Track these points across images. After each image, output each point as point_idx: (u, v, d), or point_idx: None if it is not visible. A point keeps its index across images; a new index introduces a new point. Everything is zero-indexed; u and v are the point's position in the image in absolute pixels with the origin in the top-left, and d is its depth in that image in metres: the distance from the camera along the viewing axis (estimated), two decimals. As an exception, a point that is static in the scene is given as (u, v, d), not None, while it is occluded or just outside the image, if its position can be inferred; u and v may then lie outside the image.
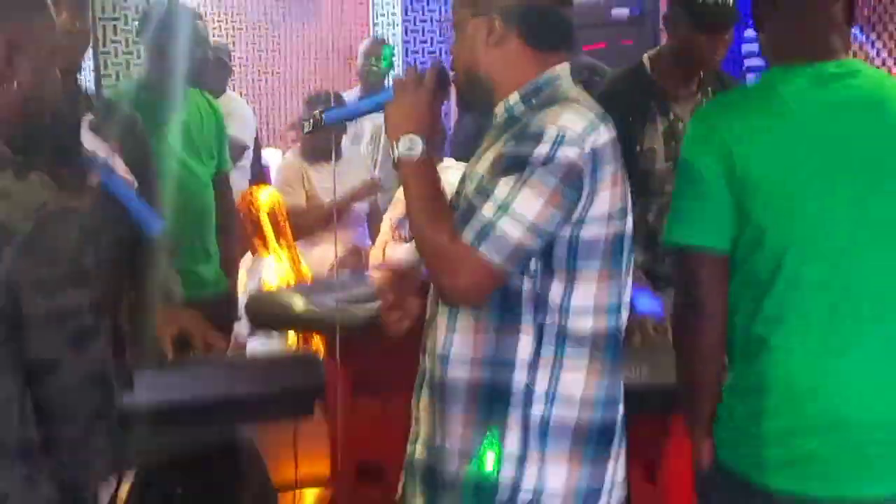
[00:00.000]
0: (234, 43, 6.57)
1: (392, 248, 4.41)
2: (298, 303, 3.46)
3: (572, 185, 1.95)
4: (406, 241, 4.26)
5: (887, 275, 2.21)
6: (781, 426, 2.19)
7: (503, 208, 1.94)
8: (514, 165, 1.95)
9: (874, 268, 2.20)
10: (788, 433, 2.19)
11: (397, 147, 2.07)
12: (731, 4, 3.24)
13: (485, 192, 1.99)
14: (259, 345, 4.50)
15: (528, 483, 2.04)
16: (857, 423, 2.17)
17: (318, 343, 4.07)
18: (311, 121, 2.22)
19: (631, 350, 2.43)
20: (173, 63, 3.68)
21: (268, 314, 3.71)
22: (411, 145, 2.06)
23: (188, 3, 4.86)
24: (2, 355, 1.70)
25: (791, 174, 2.15)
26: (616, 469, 2.13)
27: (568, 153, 1.94)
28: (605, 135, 1.97)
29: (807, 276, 2.16)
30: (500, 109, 2.12)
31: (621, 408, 2.10)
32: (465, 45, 2.15)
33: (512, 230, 1.93)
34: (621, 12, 5.29)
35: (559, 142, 1.95)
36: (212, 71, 4.57)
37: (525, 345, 2.05)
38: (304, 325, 3.72)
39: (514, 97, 2.09)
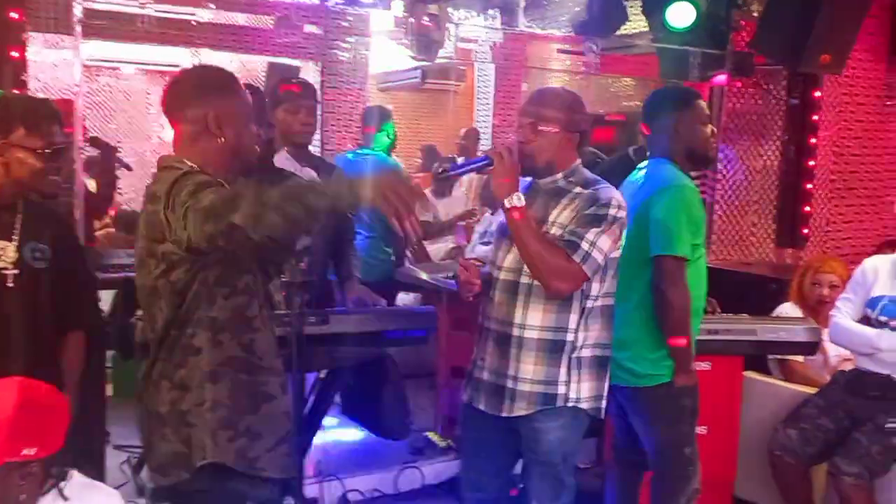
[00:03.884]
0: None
1: (477, 248, 5.26)
2: (423, 275, 4.52)
3: (621, 231, 2.54)
4: (485, 244, 4.83)
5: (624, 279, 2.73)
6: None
7: (593, 245, 2.45)
8: (596, 220, 2.47)
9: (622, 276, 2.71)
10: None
11: (509, 201, 2.45)
12: None
13: (579, 235, 2.45)
14: (406, 297, 5.44)
15: (573, 393, 2.56)
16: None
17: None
18: (443, 172, 2.65)
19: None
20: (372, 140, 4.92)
21: (409, 281, 4.76)
22: (517, 199, 2.47)
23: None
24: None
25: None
26: (607, 385, 2.67)
27: (621, 214, 2.53)
28: None
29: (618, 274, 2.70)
30: (548, 180, 2.59)
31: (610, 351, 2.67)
32: (552, 143, 2.55)
33: (598, 257, 2.47)
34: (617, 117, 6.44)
35: (618, 207, 2.51)
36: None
37: (573, 318, 2.55)
38: (425, 288, 4.67)
39: (559, 175, 2.60)
